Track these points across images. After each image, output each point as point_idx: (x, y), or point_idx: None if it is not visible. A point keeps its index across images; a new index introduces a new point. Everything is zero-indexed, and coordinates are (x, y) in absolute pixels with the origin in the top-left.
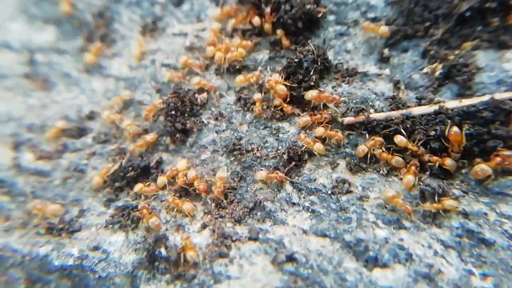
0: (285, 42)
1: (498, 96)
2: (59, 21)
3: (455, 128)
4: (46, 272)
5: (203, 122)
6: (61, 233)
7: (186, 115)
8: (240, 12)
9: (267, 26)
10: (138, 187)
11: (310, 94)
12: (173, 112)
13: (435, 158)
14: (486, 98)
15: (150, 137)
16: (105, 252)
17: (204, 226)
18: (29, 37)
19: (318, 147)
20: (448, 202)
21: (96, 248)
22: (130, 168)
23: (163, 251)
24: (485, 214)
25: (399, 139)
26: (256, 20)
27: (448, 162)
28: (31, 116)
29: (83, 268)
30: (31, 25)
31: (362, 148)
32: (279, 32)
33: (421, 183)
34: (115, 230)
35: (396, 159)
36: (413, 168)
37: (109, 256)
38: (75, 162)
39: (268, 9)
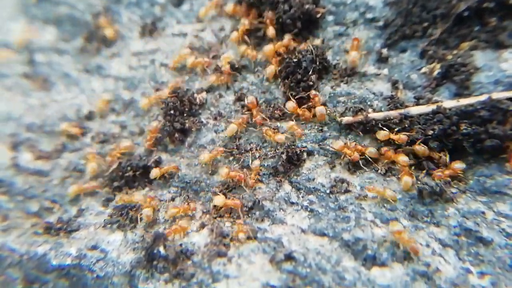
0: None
1: (496, 95)
2: (59, 22)
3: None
4: (44, 271)
5: (202, 121)
6: (59, 232)
7: (185, 114)
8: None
9: (271, 31)
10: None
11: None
12: (172, 112)
13: (389, 154)
14: (483, 97)
15: (124, 144)
16: (103, 252)
17: (202, 226)
18: (29, 37)
19: (280, 137)
20: (388, 192)
21: (94, 248)
22: (129, 168)
23: (161, 250)
24: (483, 212)
25: (421, 149)
26: (271, 31)
27: (401, 158)
28: (30, 116)
29: (81, 268)
30: (31, 25)
31: (384, 133)
32: (287, 37)
33: (419, 182)
34: (114, 230)
35: (369, 150)
36: (406, 169)
37: (107, 256)
38: (74, 162)
39: (270, 13)
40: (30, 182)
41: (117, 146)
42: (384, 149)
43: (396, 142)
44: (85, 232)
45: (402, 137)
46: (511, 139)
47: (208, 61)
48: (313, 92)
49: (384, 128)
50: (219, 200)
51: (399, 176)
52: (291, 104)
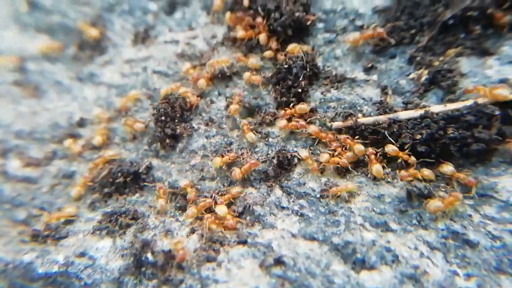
0: (280, 56)
1: (481, 100)
2: (52, 30)
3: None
4: (30, 280)
5: (193, 127)
6: (46, 240)
7: (176, 120)
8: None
9: (263, 37)
10: None
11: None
12: (163, 118)
13: (347, 141)
14: (469, 102)
15: (109, 153)
16: (91, 259)
17: (192, 231)
18: (22, 45)
19: (250, 135)
20: (349, 185)
21: (82, 255)
22: (119, 174)
23: (150, 256)
24: (470, 215)
25: (449, 169)
26: (263, 37)
27: (356, 147)
28: (20, 123)
29: (68, 275)
30: (23, 33)
31: (393, 148)
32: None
33: (409, 185)
34: (103, 236)
35: (348, 156)
36: (372, 156)
37: (95, 263)
38: (64, 169)
39: (259, 19)
40: (18, 190)
41: (102, 154)
42: (343, 136)
43: (407, 162)
44: (74, 239)
45: (413, 159)
46: (497, 143)
47: (197, 77)
48: (280, 113)
49: (392, 141)
50: (222, 210)
51: (369, 166)
52: (314, 128)
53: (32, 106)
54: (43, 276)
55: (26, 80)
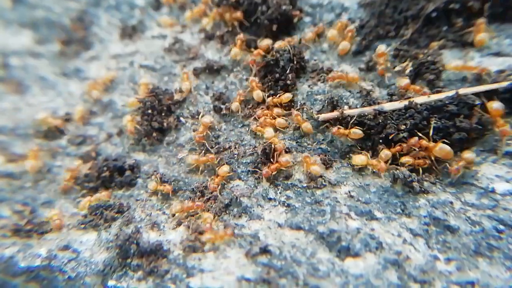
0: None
1: (462, 91)
2: (36, 25)
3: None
4: (12, 275)
5: (180, 121)
6: (29, 234)
7: (163, 114)
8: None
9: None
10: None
11: None
12: (149, 111)
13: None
14: (451, 93)
15: None
16: (75, 252)
17: (179, 223)
18: (5, 41)
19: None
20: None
21: (66, 248)
22: (105, 169)
23: (135, 248)
24: (451, 202)
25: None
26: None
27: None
28: (2, 119)
29: (51, 269)
30: (6, 29)
31: (362, 158)
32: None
33: (397, 170)
34: (87, 230)
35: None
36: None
37: (79, 256)
38: (48, 164)
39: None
40: (0, 185)
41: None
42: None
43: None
44: (57, 233)
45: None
46: (477, 132)
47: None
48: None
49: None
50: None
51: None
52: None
53: (15, 102)
54: (25, 271)
55: (9, 76)
